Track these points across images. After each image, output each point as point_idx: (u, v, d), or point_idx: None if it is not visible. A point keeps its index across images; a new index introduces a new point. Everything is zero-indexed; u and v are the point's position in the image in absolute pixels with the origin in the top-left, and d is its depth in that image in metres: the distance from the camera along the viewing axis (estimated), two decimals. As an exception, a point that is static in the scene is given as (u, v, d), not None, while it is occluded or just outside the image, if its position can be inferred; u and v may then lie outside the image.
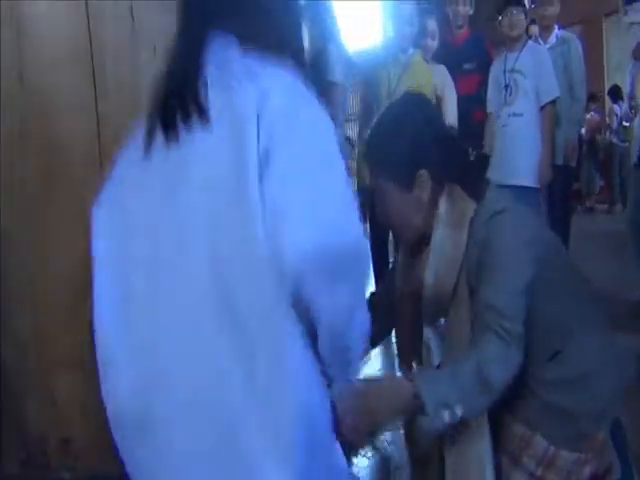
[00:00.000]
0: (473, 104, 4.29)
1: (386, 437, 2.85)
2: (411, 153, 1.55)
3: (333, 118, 3.76)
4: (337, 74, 4.13)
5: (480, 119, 4.32)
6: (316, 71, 4.19)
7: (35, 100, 1.68)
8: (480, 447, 1.57)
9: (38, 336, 1.71)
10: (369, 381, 1.55)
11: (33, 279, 1.71)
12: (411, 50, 4.13)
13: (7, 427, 1.76)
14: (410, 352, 1.79)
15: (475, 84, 4.38)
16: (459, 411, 1.42)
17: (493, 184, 1.63)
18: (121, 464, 1.63)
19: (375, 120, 1.67)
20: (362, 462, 2.75)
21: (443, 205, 1.57)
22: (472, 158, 1.73)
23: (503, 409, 1.59)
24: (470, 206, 1.55)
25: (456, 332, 1.60)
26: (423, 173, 1.55)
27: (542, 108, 3.97)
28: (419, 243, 1.65)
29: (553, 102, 3.98)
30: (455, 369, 1.47)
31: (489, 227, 1.51)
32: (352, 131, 8.33)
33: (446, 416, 1.41)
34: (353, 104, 5.85)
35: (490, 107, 4.16)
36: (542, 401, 1.55)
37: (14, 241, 1.72)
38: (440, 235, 1.57)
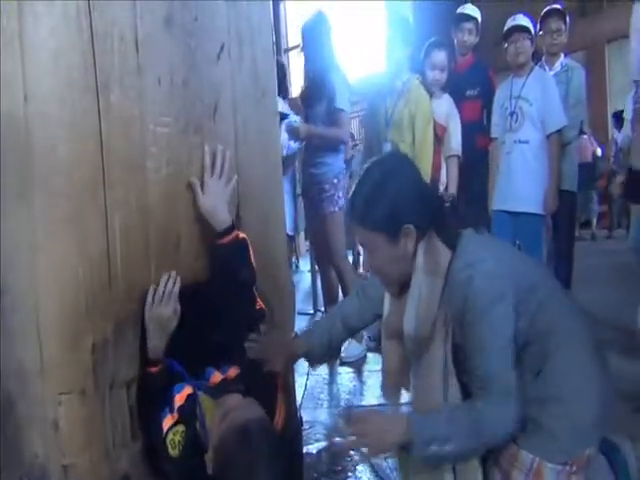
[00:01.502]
0: (476, 130, 4.33)
1: (388, 464, 2.83)
2: (396, 210, 1.70)
3: (342, 142, 3.87)
4: (343, 101, 4.17)
5: (483, 145, 4.35)
6: (324, 99, 4.23)
7: (39, 130, 1.69)
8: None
9: (42, 364, 1.70)
10: (371, 411, 1.70)
11: (37, 308, 1.71)
12: (407, 76, 4.16)
13: (7, 453, 1.75)
14: (397, 380, 1.96)
15: (478, 110, 4.42)
16: (449, 447, 1.59)
17: (467, 232, 1.78)
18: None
19: (358, 179, 1.79)
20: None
21: (421, 253, 1.72)
22: (447, 204, 1.88)
23: None
24: (446, 254, 1.71)
25: (427, 368, 1.75)
26: (409, 227, 1.69)
27: (548, 136, 3.97)
28: (402, 290, 1.80)
29: (559, 130, 3.99)
30: (453, 414, 1.65)
31: (465, 281, 1.64)
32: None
33: (434, 449, 1.58)
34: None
35: (495, 132, 4.19)
36: (525, 418, 1.67)
37: (17, 270, 1.72)
38: (418, 281, 1.72)
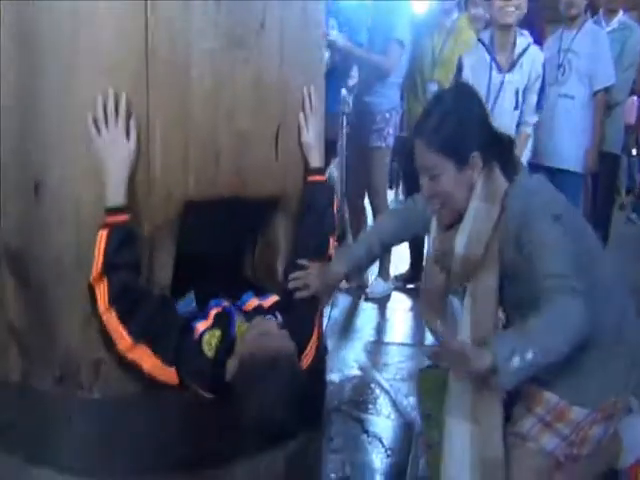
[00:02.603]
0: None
1: (409, 402, 2.86)
2: (467, 137, 1.75)
3: (385, 72, 3.78)
4: (402, 34, 4.09)
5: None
6: (381, 28, 4.14)
7: (86, 33, 1.72)
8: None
9: (79, 256, 1.74)
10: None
11: (76, 201, 1.76)
12: (455, 15, 4.10)
13: (42, 346, 1.81)
14: (435, 311, 2.01)
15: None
16: (530, 354, 1.53)
17: (523, 166, 1.87)
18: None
19: (428, 105, 1.87)
20: (385, 424, 2.77)
21: (480, 182, 1.76)
22: None
23: None
24: (503, 184, 1.76)
25: (482, 296, 1.79)
26: (476, 155, 1.74)
27: (595, 93, 3.89)
28: (451, 225, 1.83)
29: (607, 89, 3.90)
30: (524, 325, 1.61)
31: (526, 207, 1.70)
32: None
33: (516, 362, 1.52)
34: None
35: (540, 83, 4.08)
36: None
37: (57, 163, 1.77)
38: (475, 207, 1.76)
